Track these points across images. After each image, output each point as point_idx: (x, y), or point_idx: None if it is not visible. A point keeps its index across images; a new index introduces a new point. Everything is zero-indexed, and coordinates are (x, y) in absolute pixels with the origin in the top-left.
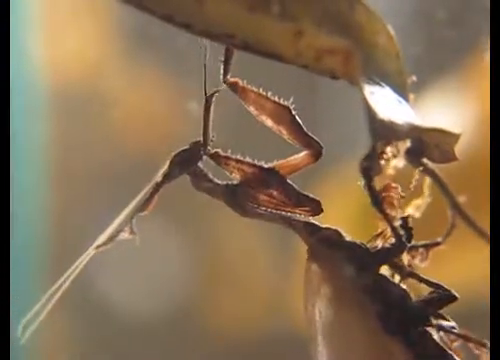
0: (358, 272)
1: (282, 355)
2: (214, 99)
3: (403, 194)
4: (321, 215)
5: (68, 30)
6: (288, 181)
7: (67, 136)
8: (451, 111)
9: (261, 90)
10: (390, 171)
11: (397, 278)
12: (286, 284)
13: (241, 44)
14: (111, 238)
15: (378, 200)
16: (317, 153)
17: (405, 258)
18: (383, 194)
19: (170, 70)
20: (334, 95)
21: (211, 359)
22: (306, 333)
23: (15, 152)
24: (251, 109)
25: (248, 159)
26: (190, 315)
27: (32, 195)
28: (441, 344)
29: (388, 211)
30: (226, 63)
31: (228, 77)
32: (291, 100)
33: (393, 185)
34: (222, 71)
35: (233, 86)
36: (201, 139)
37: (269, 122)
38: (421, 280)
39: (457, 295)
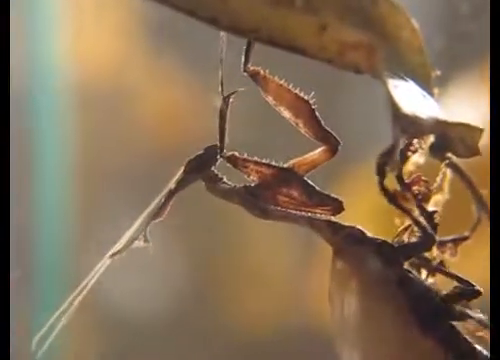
0: (385, 266)
1: (304, 351)
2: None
3: (432, 188)
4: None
5: (92, 26)
6: (308, 181)
7: (90, 131)
8: (475, 105)
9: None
10: (410, 167)
11: (424, 272)
12: (308, 281)
13: (266, 38)
14: (126, 246)
15: (393, 196)
16: (334, 148)
17: (435, 253)
18: (413, 187)
19: (194, 65)
20: (355, 91)
21: (234, 356)
22: (328, 329)
23: (38, 147)
24: (270, 99)
25: (265, 160)
26: (212, 312)
27: (54, 191)
28: (472, 338)
29: (406, 206)
30: (247, 52)
31: (249, 66)
32: (312, 94)
33: (423, 178)
34: (243, 60)
35: (254, 75)
36: (217, 143)
37: (287, 114)
38: (448, 274)
39: (481, 290)
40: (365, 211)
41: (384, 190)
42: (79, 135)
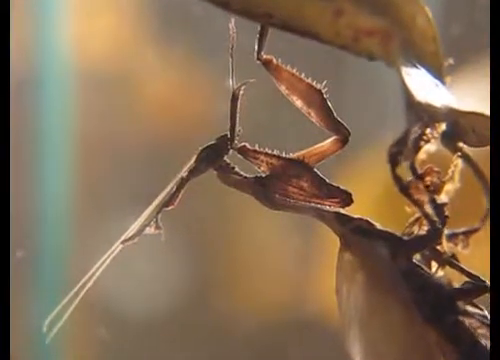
0: (392, 259)
1: (308, 341)
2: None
3: (444, 179)
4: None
5: (101, 8)
6: (318, 173)
7: (96, 117)
8: (487, 94)
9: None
10: (422, 156)
11: (435, 265)
12: (312, 270)
13: (279, 24)
14: (137, 233)
15: (405, 187)
16: (345, 139)
17: (446, 245)
18: (425, 178)
19: (205, 48)
20: (361, 79)
21: (238, 345)
22: (333, 320)
23: (44, 132)
24: (282, 88)
25: (275, 152)
26: (216, 301)
27: (58, 174)
28: (475, 333)
29: (417, 197)
30: (261, 40)
31: (262, 54)
32: (324, 83)
33: (435, 169)
34: (256, 48)
35: (267, 63)
36: (228, 133)
37: (299, 103)
38: (458, 268)
39: None
40: (372, 199)
41: (397, 179)
42: (84, 120)
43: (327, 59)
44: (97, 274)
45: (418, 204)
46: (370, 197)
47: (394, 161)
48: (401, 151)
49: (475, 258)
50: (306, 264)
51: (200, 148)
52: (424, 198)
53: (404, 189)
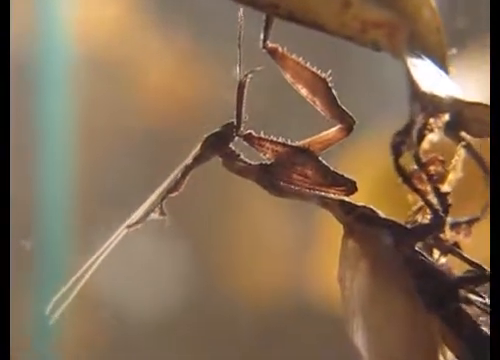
0: (396, 247)
1: (306, 328)
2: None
3: (448, 168)
4: None
5: None
6: (322, 161)
7: (100, 102)
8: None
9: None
10: (425, 145)
11: (437, 253)
12: (313, 258)
13: (286, 14)
14: (142, 218)
15: (408, 177)
16: (349, 127)
17: (449, 234)
18: (429, 167)
19: (209, 35)
20: (363, 68)
21: (238, 332)
22: (331, 306)
23: (43, 119)
24: (287, 77)
25: (280, 139)
26: (217, 288)
27: (61, 161)
28: (477, 321)
29: (419, 186)
30: (266, 29)
31: (267, 43)
32: (329, 72)
33: (439, 158)
34: (262, 37)
35: (272, 52)
36: (234, 120)
37: (304, 91)
38: (460, 257)
39: None
40: (373, 185)
41: (399, 170)
42: (86, 107)
43: (332, 48)
44: (100, 259)
45: (421, 193)
46: (371, 183)
47: (397, 151)
48: (404, 141)
49: (477, 247)
50: (308, 251)
51: (205, 135)
52: (427, 187)
53: (407, 179)
